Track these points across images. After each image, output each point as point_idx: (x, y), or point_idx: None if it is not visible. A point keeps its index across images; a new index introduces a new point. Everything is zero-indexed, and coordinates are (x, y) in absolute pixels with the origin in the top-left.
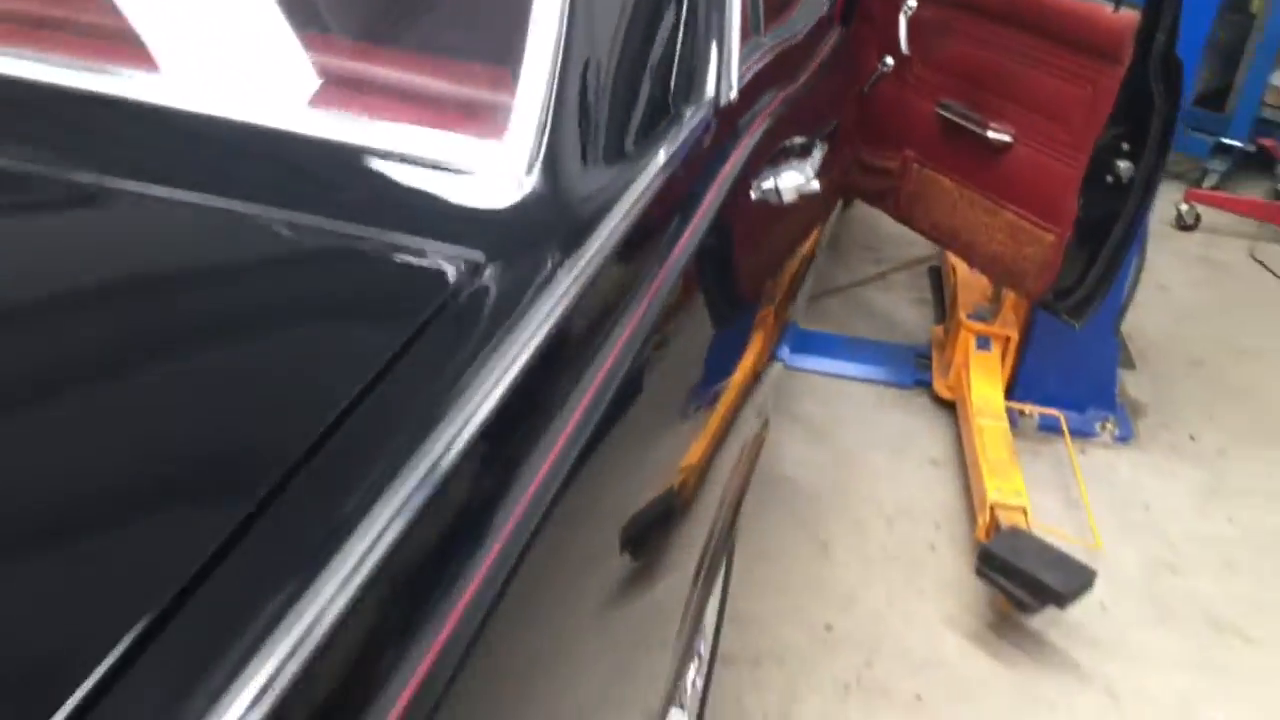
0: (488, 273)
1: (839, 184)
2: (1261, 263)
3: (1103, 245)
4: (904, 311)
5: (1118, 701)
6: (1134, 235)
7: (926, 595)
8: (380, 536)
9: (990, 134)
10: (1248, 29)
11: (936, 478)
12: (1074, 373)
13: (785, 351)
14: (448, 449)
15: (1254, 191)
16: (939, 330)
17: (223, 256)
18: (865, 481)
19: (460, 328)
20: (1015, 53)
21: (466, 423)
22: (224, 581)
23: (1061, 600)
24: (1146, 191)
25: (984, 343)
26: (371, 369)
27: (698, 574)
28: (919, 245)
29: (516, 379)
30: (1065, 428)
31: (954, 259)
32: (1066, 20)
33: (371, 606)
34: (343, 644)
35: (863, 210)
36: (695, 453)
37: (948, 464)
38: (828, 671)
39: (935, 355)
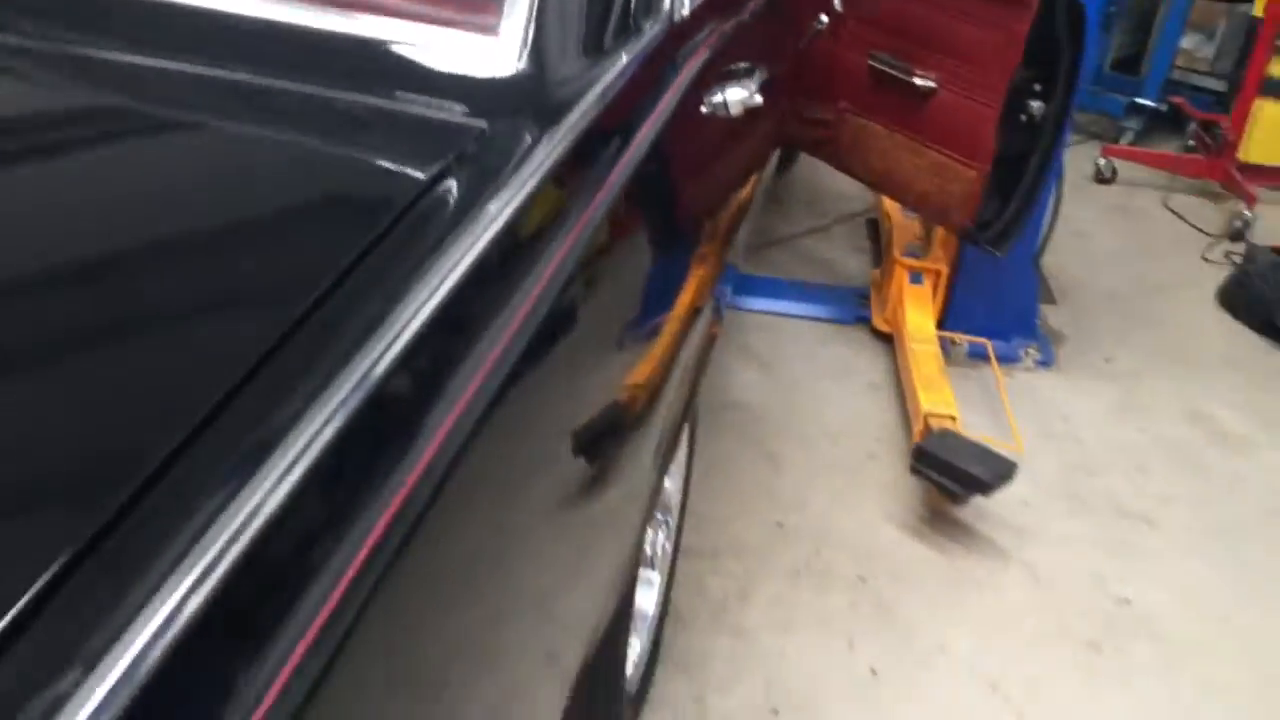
0: (488, 135)
1: (775, 137)
2: (1174, 211)
3: (1020, 179)
4: (844, 259)
5: (1039, 580)
6: (1048, 169)
7: (867, 497)
8: (386, 350)
9: (917, 81)
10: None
11: (875, 400)
12: (999, 304)
13: (729, 293)
14: (446, 285)
15: (1166, 147)
16: (876, 273)
17: (259, 124)
18: (810, 404)
19: (466, 179)
20: (937, 5)
21: (461, 260)
22: (253, 394)
23: (987, 488)
24: (1057, 128)
25: (916, 277)
26: (397, 206)
27: (659, 445)
28: (857, 201)
29: (504, 228)
30: (992, 353)
31: (888, 208)
32: None
33: (380, 414)
34: (345, 461)
35: (804, 172)
36: (657, 325)
37: (886, 389)
38: (780, 560)
39: (874, 294)
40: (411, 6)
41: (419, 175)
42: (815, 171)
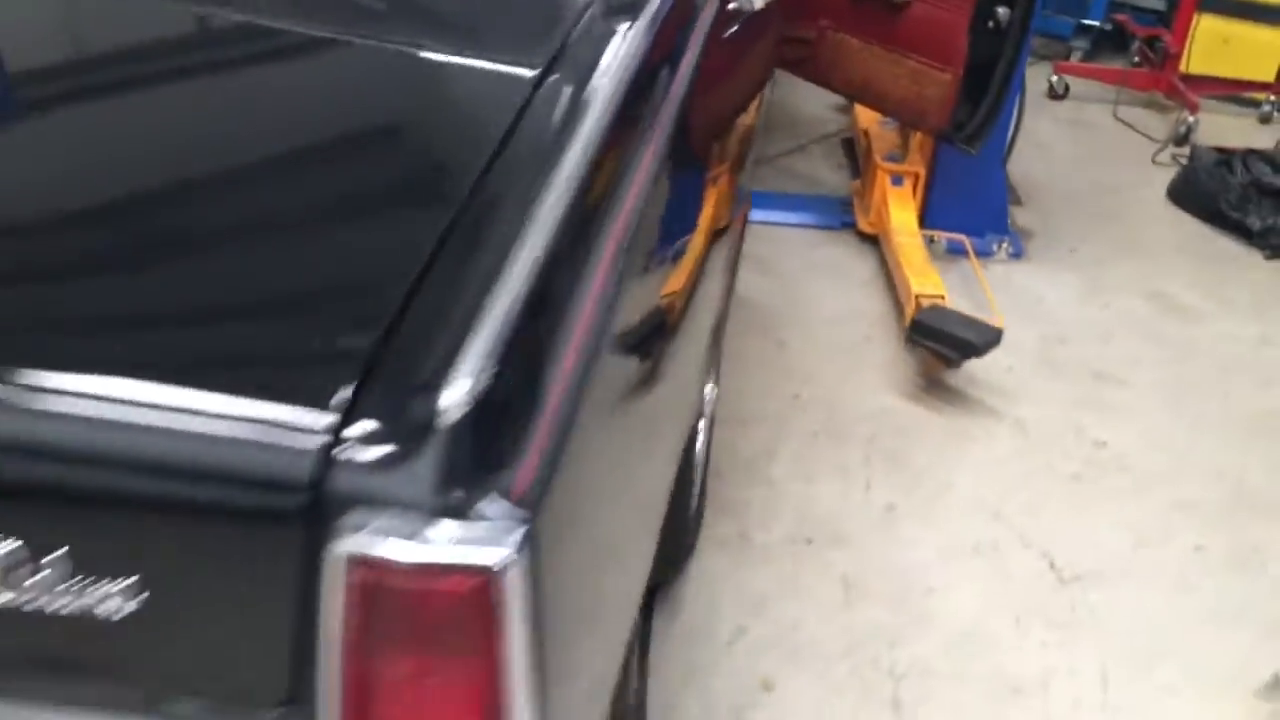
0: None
1: (775, 49)
2: (1123, 121)
3: (990, 80)
4: (825, 174)
5: (1026, 431)
6: (1015, 71)
7: (868, 371)
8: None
9: None
10: None
11: (867, 293)
12: (973, 203)
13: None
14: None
15: (1113, 63)
16: (857, 184)
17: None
18: (809, 299)
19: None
20: None
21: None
22: (452, 256)
23: (978, 350)
24: (1022, 31)
25: (897, 180)
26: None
27: (717, 319)
28: (831, 124)
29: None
30: (969, 246)
31: (864, 125)
32: None
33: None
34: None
35: (780, 97)
36: (719, 212)
37: (875, 283)
38: (799, 425)
39: (856, 202)
40: None
41: (529, 72)
42: (793, 96)
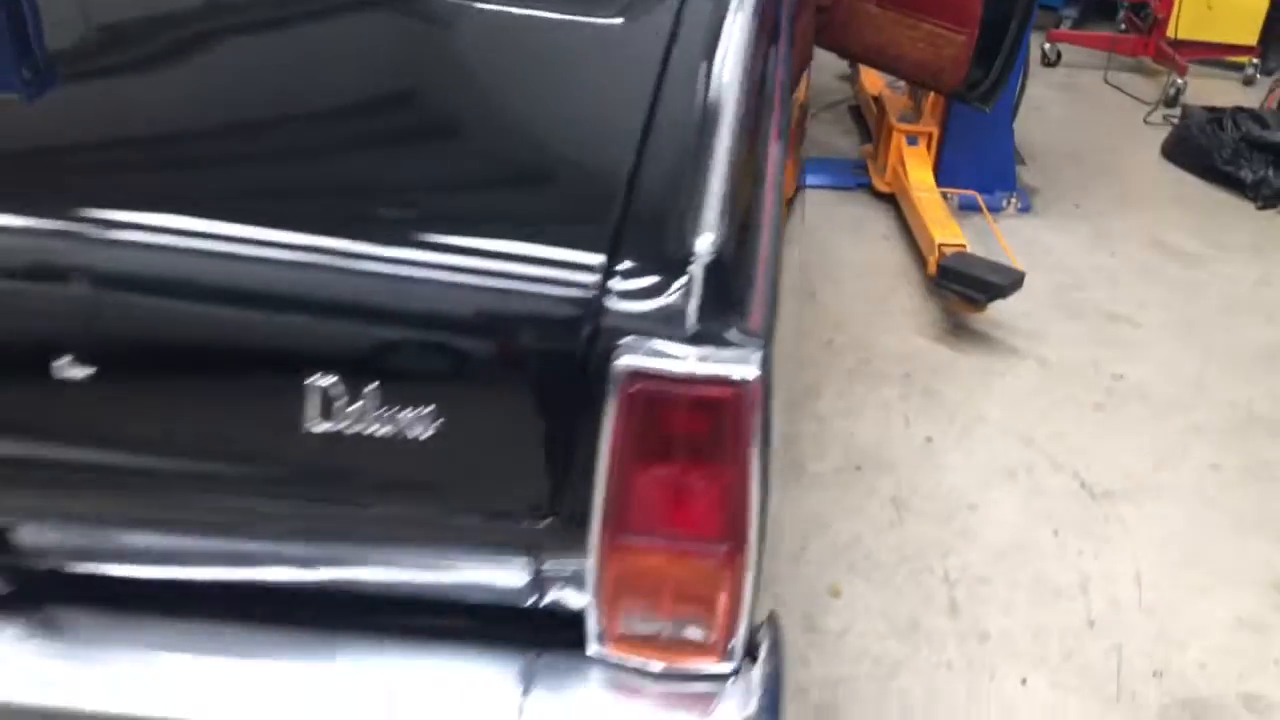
0: None
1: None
2: (1114, 85)
3: (1001, 41)
4: (836, 139)
5: (1048, 367)
6: (1025, 31)
7: (895, 317)
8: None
9: None
10: None
11: (888, 247)
12: (982, 161)
13: None
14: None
15: (1102, 31)
16: (868, 147)
17: None
18: (834, 252)
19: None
20: None
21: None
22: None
23: (1004, 291)
24: None
25: (912, 140)
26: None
27: None
28: (838, 93)
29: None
30: (981, 201)
31: (873, 91)
32: None
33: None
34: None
35: None
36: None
37: (895, 238)
38: (837, 366)
39: (870, 164)
40: None
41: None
42: None
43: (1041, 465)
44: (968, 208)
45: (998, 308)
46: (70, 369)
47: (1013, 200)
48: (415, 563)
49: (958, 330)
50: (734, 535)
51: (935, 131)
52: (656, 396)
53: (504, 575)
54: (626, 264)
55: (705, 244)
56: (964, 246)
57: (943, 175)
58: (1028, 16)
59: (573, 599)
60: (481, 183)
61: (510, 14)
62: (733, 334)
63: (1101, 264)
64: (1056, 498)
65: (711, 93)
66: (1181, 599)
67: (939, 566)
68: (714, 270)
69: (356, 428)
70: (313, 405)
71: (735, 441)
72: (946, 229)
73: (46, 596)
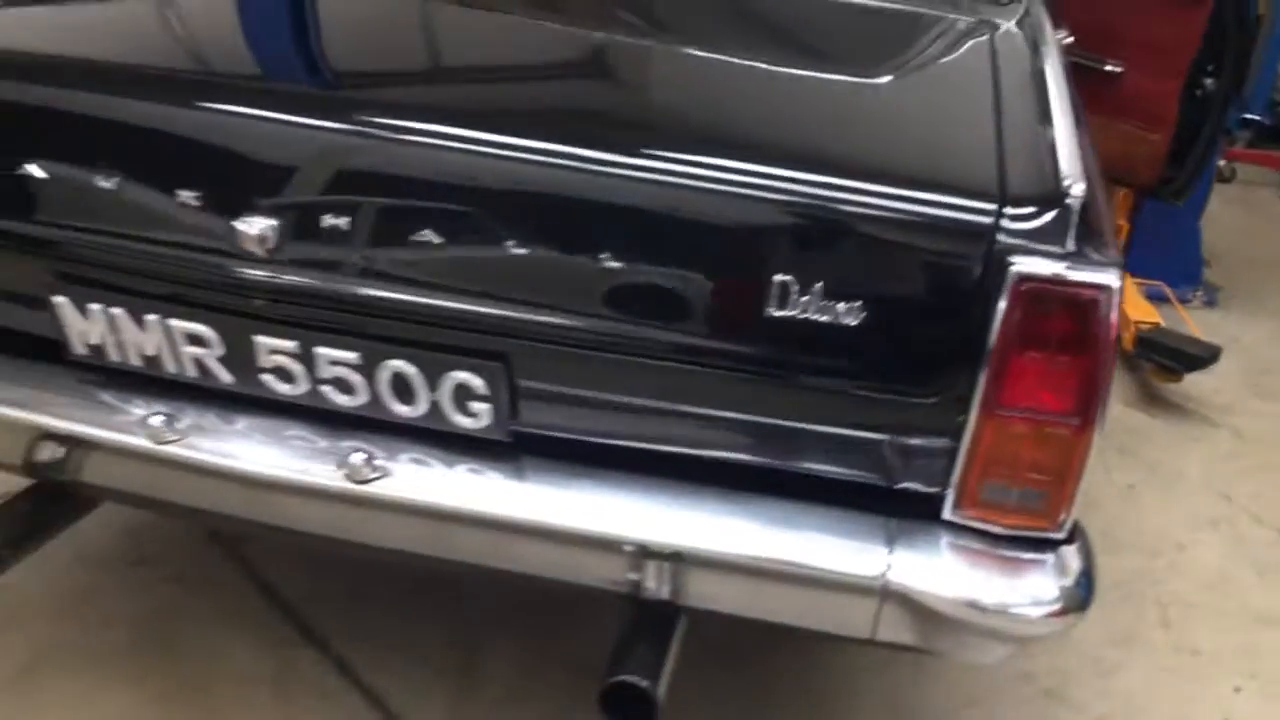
0: None
1: None
2: None
3: (1195, 143)
4: None
5: (1243, 437)
6: (1218, 135)
7: None
8: None
9: (1108, 67)
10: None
11: None
12: (1170, 256)
13: None
14: None
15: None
16: None
17: None
18: None
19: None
20: (1124, 8)
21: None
22: (1009, 107)
23: (1203, 362)
24: (1226, 101)
25: None
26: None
27: None
28: None
29: None
30: (1169, 292)
31: None
32: None
33: None
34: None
35: None
36: None
37: None
38: None
39: None
40: None
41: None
42: None
43: (1243, 519)
44: (1155, 298)
45: (1190, 384)
46: (610, 261)
47: (1198, 295)
48: (816, 435)
49: (1153, 400)
50: (1086, 413)
51: (1126, 227)
52: (1040, 294)
53: (879, 450)
54: (1014, 201)
55: (1077, 188)
56: (1158, 324)
57: (1131, 266)
58: (1221, 120)
59: (932, 473)
60: (897, 147)
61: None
62: (1097, 253)
63: None
64: (1259, 546)
65: (1038, 89)
66: None
67: (1150, 592)
68: (1084, 207)
69: (803, 315)
70: (774, 296)
71: (1095, 335)
72: (1141, 308)
73: (531, 449)
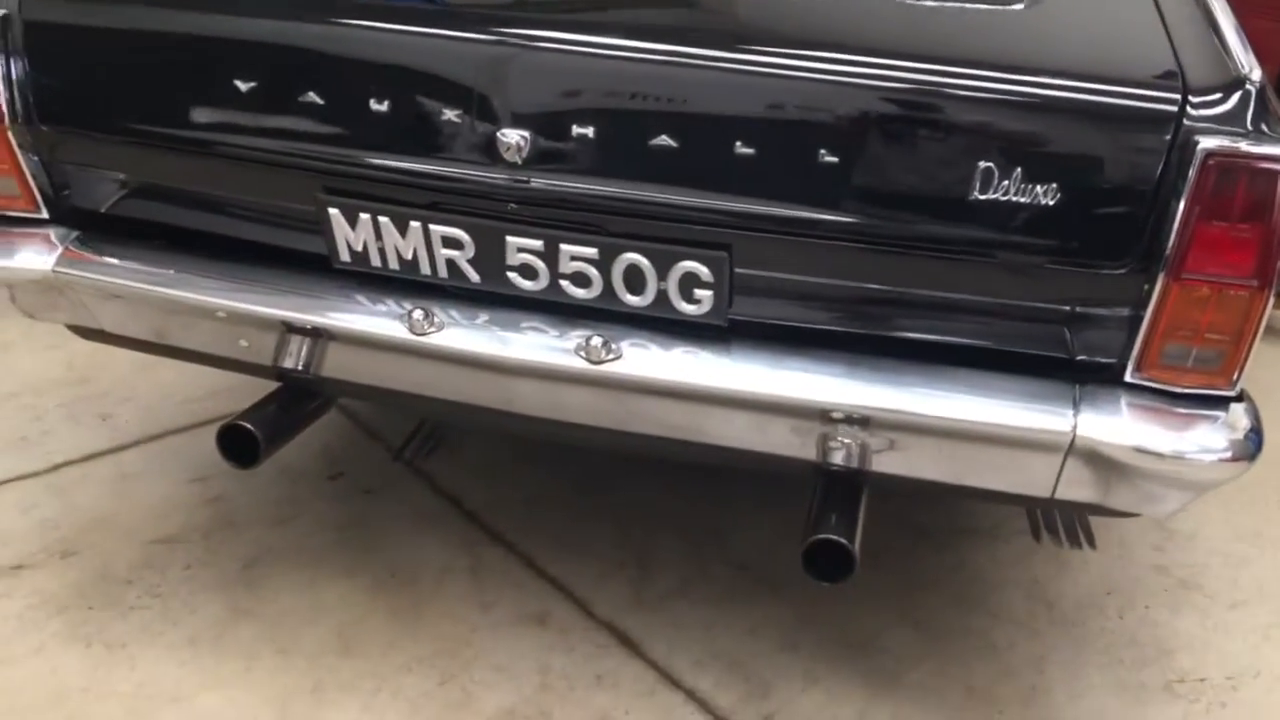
0: None
1: None
2: None
3: None
4: None
5: None
6: None
7: None
8: None
9: None
10: None
11: None
12: None
13: None
14: None
15: None
16: None
17: None
18: None
19: None
20: None
21: None
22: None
23: None
24: None
25: None
26: None
27: None
28: None
29: None
30: None
31: None
32: None
33: None
34: None
35: None
36: None
37: None
38: None
39: None
40: None
41: None
42: None
43: None
44: None
45: None
46: (828, 157)
47: None
48: (1013, 309)
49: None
50: (1263, 277)
51: None
52: (1225, 167)
53: (1070, 321)
54: (1196, 89)
55: (1254, 76)
56: None
57: None
58: None
59: (1117, 339)
60: (1088, 51)
61: None
62: (1272, 131)
63: None
64: None
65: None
66: None
67: (1273, 496)
68: (1260, 93)
69: (1001, 195)
70: (978, 180)
71: (1273, 204)
72: None
73: (744, 334)
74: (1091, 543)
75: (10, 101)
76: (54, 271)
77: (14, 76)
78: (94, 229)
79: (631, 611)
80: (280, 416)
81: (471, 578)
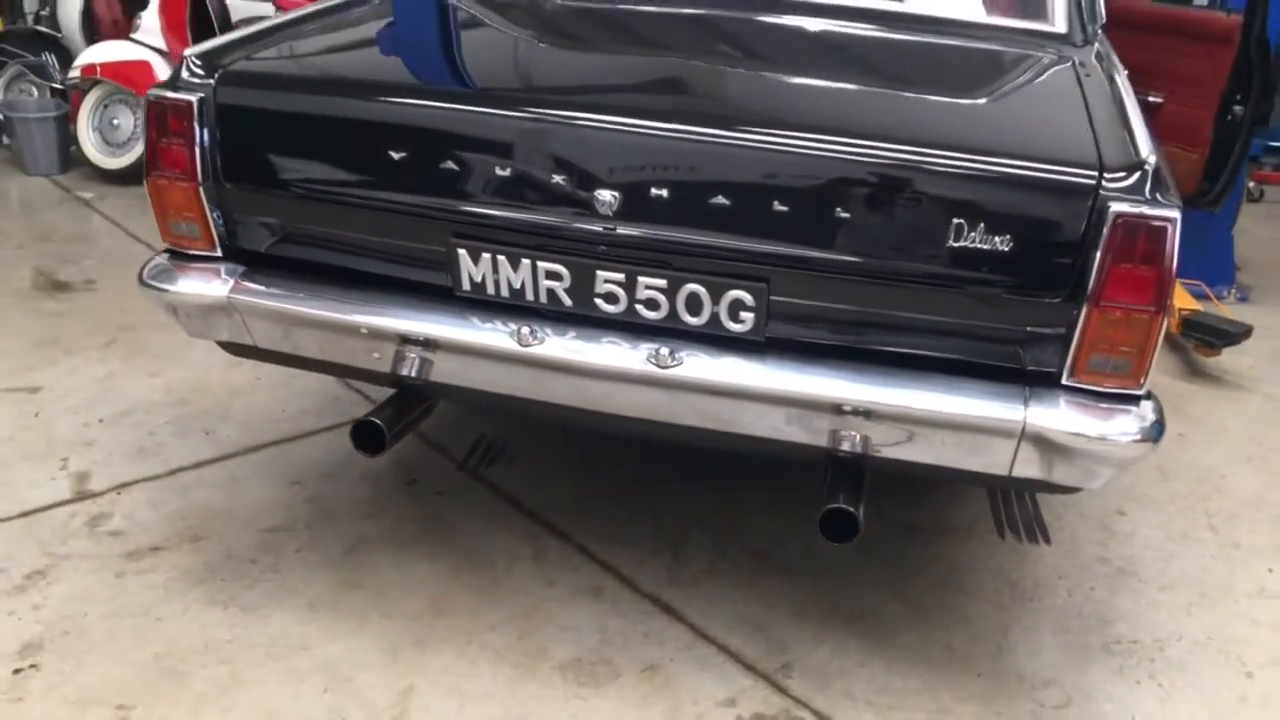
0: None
1: None
2: None
3: (1228, 159)
4: None
5: (1272, 400)
6: (1246, 153)
7: None
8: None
9: (1150, 98)
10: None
11: None
12: (1208, 258)
13: None
14: None
15: None
16: None
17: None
18: None
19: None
20: (1163, 50)
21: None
22: (1096, 111)
23: (1238, 338)
24: (1253, 123)
25: None
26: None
27: None
28: None
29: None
30: (1207, 289)
31: None
32: (1197, 23)
33: None
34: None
35: None
36: None
37: None
38: None
39: None
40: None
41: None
42: None
43: (1272, 458)
44: (1195, 295)
45: (1226, 359)
46: (843, 213)
47: (1233, 292)
48: (978, 329)
49: (1196, 373)
50: (1159, 304)
51: None
52: (1131, 225)
53: (1020, 337)
54: (1110, 168)
55: (1151, 157)
56: (1200, 309)
57: None
58: (1248, 142)
59: (1055, 351)
60: (1031, 138)
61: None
62: (1166, 198)
63: None
64: None
65: (1118, 100)
66: None
67: (1199, 506)
68: (1155, 170)
69: (969, 244)
70: (954, 231)
71: (1165, 251)
72: (1185, 299)
73: (776, 348)
74: (1046, 538)
75: (202, 164)
76: (229, 297)
77: (206, 144)
78: (257, 265)
79: (670, 587)
80: (398, 416)
81: (535, 562)
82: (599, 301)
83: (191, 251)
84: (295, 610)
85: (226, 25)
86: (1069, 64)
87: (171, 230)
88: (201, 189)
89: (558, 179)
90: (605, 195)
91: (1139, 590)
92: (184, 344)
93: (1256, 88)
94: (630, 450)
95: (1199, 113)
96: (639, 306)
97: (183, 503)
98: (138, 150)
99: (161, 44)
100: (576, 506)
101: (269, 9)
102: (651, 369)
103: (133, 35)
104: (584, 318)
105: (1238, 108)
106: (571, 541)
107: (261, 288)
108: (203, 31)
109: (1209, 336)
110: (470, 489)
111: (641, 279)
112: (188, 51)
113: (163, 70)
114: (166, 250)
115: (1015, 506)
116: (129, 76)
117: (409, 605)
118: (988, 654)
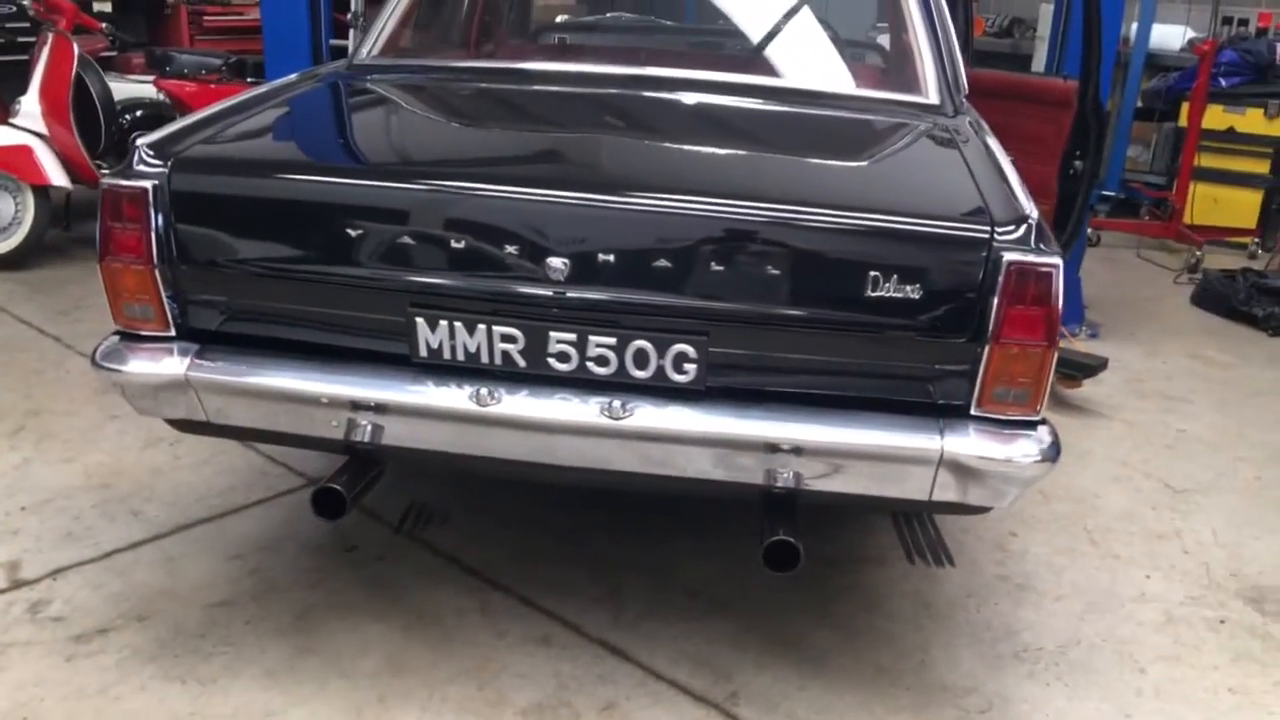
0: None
1: None
2: (1145, 258)
3: (1072, 209)
4: None
5: (1131, 425)
6: (1088, 204)
7: None
8: None
9: None
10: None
11: None
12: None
13: None
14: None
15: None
16: None
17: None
18: None
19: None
20: (1010, 113)
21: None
22: (980, 174)
23: (1096, 370)
24: (1093, 176)
25: None
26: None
27: None
28: None
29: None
30: (1063, 329)
31: None
32: (1040, 90)
33: None
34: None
35: None
36: None
37: None
38: None
39: None
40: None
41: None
42: None
43: (1137, 477)
44: None
45: (1086, 390)
46: (772, 271)
47: (1084, 329)
48: (893, 368)
49: (1060, 404)
50: (1050, 340)
51: None
52: (1022, 272)
53: (931, 373)
54: (999, 223)
55: (1033, 213)
56: (1060, 345)
57: None
58: (1089, 194)
59: (962, 384)
60: (927, 199)
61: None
62: (1049, 249)
63: (1157, 368)
64: (1151, 493)
65: (995, 162)
66: (1244, 541)
67: (1079, 523)
68: (1037, 223)
69: (885, 294)
70: (869, 283)
71: (1052, 293)
72: None
73: (716, 396)
74: (951, 560)
75: (157, 248)
76: (186, 375)
77: (160, 228)
78: (211, 342)
79: (615, 630)
80: (354, 481)
81: (483, 615)
82: (551, 361)
83: (144, 332)
84: (254, 679)
85: (109, 107)
86: (947, 132)
87: (124, 313)
88: (156, 271)
89: (511, 249)
90: (556, 262)
91: (1038, 602)
92: (93, 426)
93: (1093, 145)
94: (562, 502)
95: (1045, 169)
96: (590, 364)
97: (123, 584)
98: (20, 235)
99: (42, 128)
100: (515, 560)
101: (150, 90)
102: (605, 421)
103: (12, 120)
104: (537, 377)
105: (1078, 163)
106: (514, 594)
107: (219, 364)
108: (84, 114)
109: (1071, 370)
110: (410, 551)
111: (592, 338)
112: (140, 141)
113: (45, 155)
114: (117, 332)
115: (919, 533)
116: (9, 162)
117: (366, 665)
118: (913, 669)
